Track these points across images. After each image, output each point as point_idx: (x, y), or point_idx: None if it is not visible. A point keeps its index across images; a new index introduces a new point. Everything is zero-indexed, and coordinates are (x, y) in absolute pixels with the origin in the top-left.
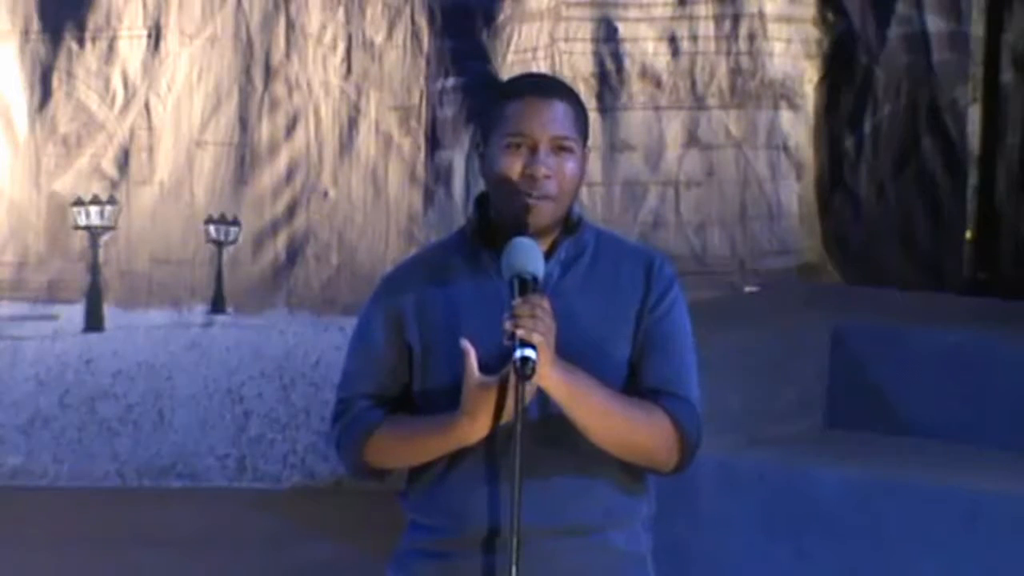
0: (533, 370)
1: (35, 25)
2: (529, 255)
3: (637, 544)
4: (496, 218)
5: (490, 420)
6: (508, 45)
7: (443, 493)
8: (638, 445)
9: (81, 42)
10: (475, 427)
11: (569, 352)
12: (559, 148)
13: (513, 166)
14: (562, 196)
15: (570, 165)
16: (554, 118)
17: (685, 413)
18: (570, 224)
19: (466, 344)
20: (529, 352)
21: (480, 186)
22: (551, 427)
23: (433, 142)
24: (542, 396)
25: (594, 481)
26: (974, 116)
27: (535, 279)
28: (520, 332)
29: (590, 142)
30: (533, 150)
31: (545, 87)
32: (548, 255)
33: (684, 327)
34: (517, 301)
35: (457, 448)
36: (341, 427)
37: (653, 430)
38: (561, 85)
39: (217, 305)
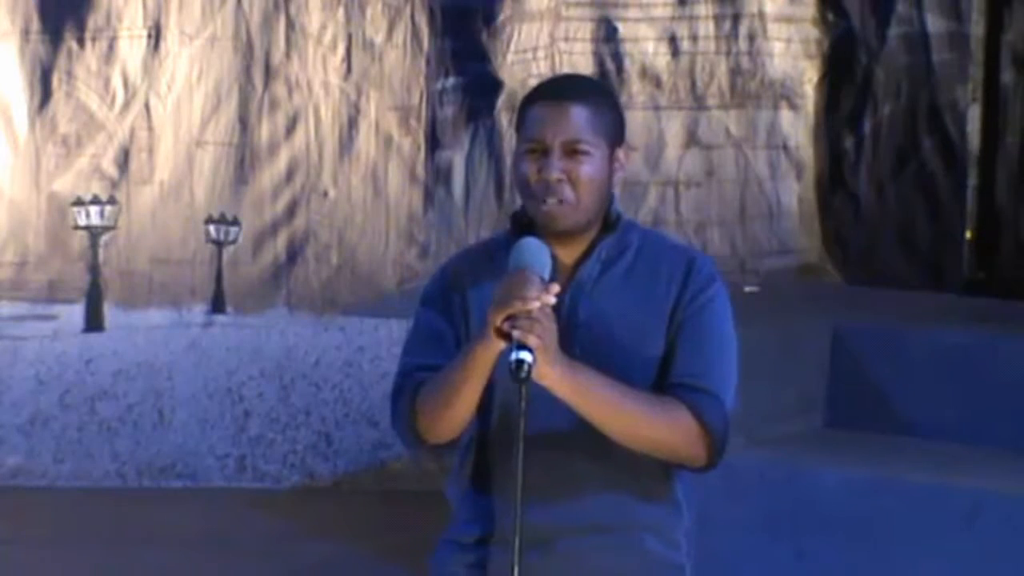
0: (528, 373)
1: (35, 25)
2: (534, 255)
3: (676, 553)
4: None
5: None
6: (508, 45)
7: (473, 490)
8: (657, 440)
9: (81, 42)
10: (488, 347)
11: (598, 351)
12: (572, 152)
13: (529, 171)
14: (580, 201)
15: (585, 168)
16: (566, 122)
17: (708, 407)
18: (609, 223)
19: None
20: (524, 355)
21: (478, 185)
22: (576, 428)
23: (433, 142)
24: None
25: (621, 483)
26: (974, 116)
27: (540, 280)
28: (516, 334)
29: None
30: (547, 154)
31: (560, 91)
32: (588, 254)
33: (719, 325)
34: None
35: (473, 370)
36: (394, 400)
37: (672, 425)
38: (581, 86)
39: (217, 305)
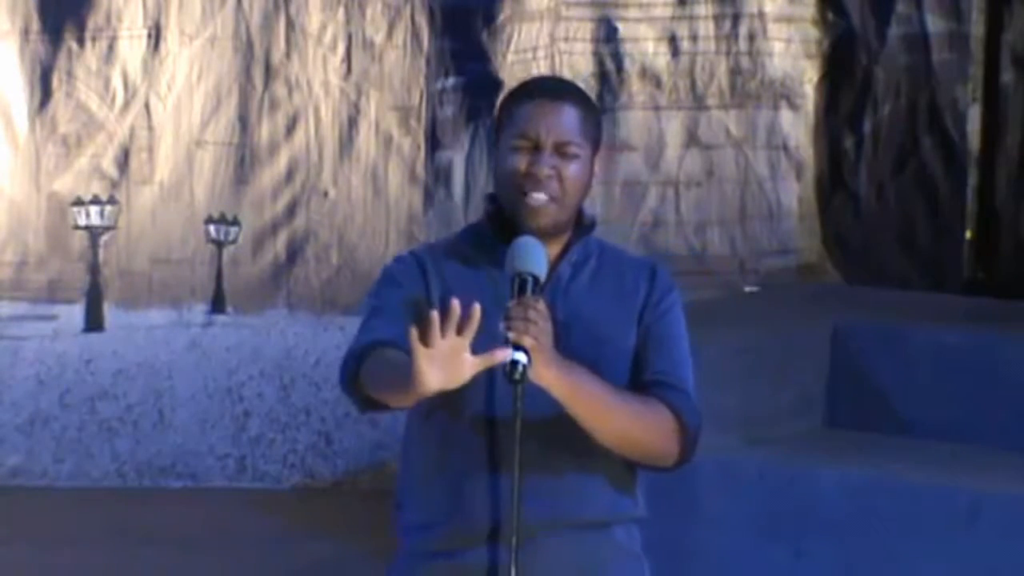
0: (522, 374)
1: (35, 25)
2: (531, 255)
3: (634, 542)
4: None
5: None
6: (508, 45)
7: (446, 489)
8: (639, 439)
9: (81, 42)
10: (425, 386)
11: (580, 348)
12: (563, 152)
13: (518, 166)
14: (565, 198)
15: (573, 168)
16: (560, 122)
17: (684, 404)
18: (583, 225)
19: (454, 304)
20: (519, 356)
21: (478, 184)
22: (554, 424)
23: (433, 142)
24: (545, 393)
25: (595, 477)
26: (974, 116)
27: (535, 280)
28: (511, 335)
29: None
30: (537, 151)
31: (555, 90)
32: (561, 255)
33: (682, 328)
34: (511, 303)
35: (411, 395)
36: (345, 360)
37: (654, 423)
38: (572, 88)
39: (217, 305)
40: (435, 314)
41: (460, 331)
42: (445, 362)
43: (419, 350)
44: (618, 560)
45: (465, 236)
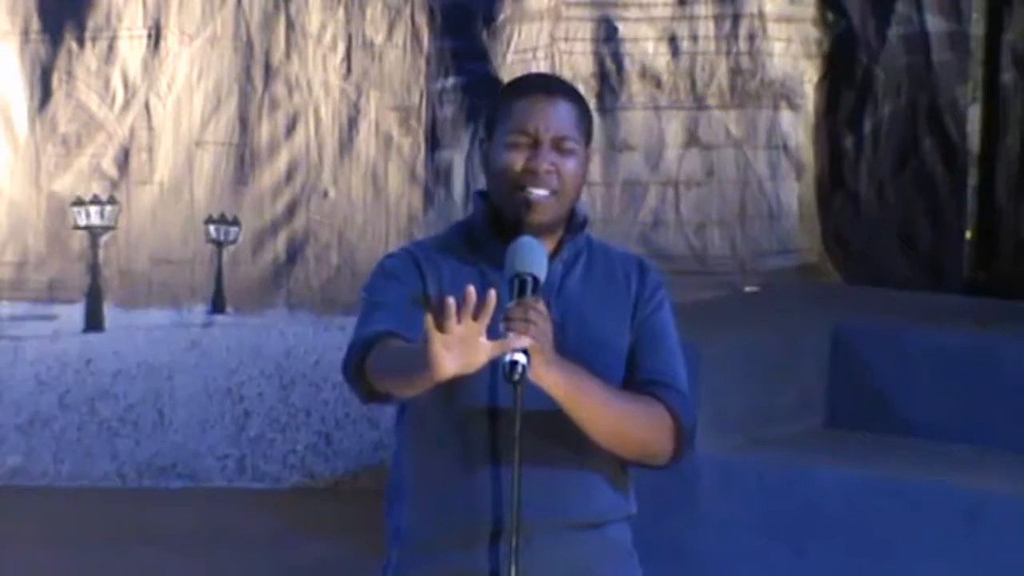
0: (522, 374)
1: (35, 25)
2: (532, 255)
3: (627, 539)
4: (500, 213)
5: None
6: (508, 45)
7: (444, 485)
8: (636, 439)
9: (81, 42)
10: (439, 370)
11: (577, 348)
12: (561, 148)
13: (515, 162)
14: (562, 194)
15: (570, 164)
16: (558, 117)
17: (680, 403)
18: (575, 224)
19: (470, 290)
20: (518, 356)
21: (478, 185)
22: (554, 421)
23: (433, 142)
24: (544, 393)
25: (593, 477)
26: (974, 116)
27: (535, 280)
28: (510, 335)
29: (592, 143)
30: (536, 147)
31: (551, 86)
32: (554, 254)
33: (672, 324)
34: (511, 304)
35: (420, 385)
36: (349, 350)
37: (652, 422)
38: (567, 86)
39: (217, 305)
40: (451, 300)
41: (475, 317)
42: (461, 347)
43: (435, 336)
44: (614, 559)
45: (457, 233)
